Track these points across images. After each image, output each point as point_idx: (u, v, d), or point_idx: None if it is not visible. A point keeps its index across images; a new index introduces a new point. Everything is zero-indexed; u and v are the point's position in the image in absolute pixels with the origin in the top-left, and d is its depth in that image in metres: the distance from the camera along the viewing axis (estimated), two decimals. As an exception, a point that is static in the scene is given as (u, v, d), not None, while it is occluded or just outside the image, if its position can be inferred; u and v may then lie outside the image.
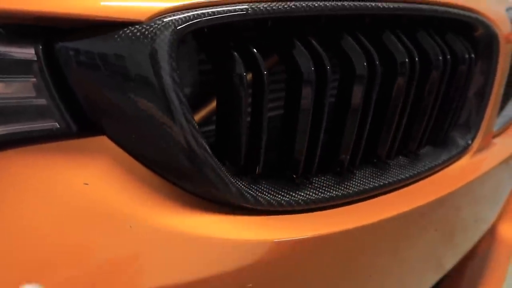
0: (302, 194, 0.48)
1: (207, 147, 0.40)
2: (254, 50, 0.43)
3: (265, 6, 0.42)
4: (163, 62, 0.37)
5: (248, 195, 0.44)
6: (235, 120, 0.44)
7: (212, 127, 0.51)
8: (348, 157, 0.53)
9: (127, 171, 0.41)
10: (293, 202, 0.47)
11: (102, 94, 0.39)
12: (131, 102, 0.39)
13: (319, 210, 0.49)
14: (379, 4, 0.50)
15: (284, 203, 0.46)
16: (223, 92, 0.45)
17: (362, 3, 0.48)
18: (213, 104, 0.50)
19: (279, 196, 0.47)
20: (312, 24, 0.48)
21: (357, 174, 0.54)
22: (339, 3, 0.46)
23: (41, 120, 0.39)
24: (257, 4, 0.41)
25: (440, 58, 0.56)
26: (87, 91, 0.40)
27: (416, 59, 0.54)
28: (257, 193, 0.45)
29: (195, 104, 0.51)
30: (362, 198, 0.53)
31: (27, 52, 0.38)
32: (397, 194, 0.57)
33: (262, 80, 0.43)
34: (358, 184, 0.53)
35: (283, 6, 0.42)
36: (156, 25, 0.37)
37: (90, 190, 0.39)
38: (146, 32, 0.37)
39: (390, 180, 0.56)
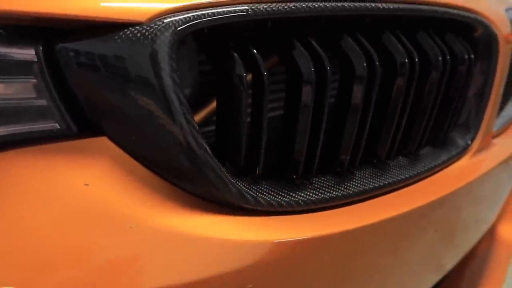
0: (302, 194, 0.48)
1: (207, 148, 0.41)
2: (254, 51, 0.43)
3: (265, 7, 0.42)
4: (164, 63, 0.37)
5: (248, 196, 0.44)
6: (235, 121, 0.44)
7: (212, 127, 0.51)
8: (348, 157, 0.53)
9: (127, 171, 0.41)
10: (293, 203, 0.47)
11: (103, 95, 0.39)
12: (131, 103, 0.39)
13: (319, 210, 0.49)
14: (379, 4, 0.50)
15: (284, 204, 0.46)
16: (223, 92, 0.45)
17: (362, 4, 0.48)
18: (213, 104, 0.50)
19: (279, 197, 0.47)
20: (312, 25, 0.48)
21: (357, 175, 0.54)
22: (339, 4, 0.46)
23: (41, 121, 0.39)
24: (257, 5, 0.41)
25: (440, 58, 0.57)
26: (87, 92, 0.40)
27: (416, 59, 0.54)
28: (257, 193, 0.45)
29: (195, 104, 0.51)
30: (362, 199, 0.53)
31: (28, 53, 0.38)
32: (397, 195, 0.57)
33: (262, 80, 0.43)
34: (358, 185, 0.53)
35: (283, 7, 0.42)
36: (157, 26, 0.37)
37: (91, 191, 0.39)
38: (147, 33, 0.37)
39: (390, 181, 0.56)
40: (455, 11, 0.60)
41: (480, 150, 0.72)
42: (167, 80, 0.37)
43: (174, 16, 0.38)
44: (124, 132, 0.41)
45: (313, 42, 0.47)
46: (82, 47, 0.38)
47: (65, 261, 0.38)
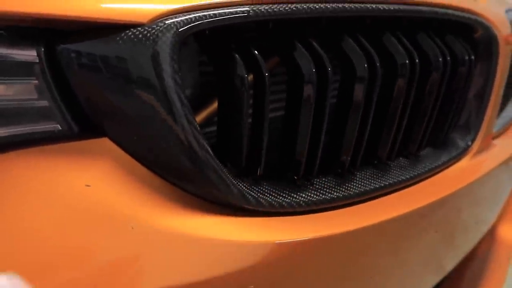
0: (303, 195, 0.48)
1: (209, 149, 0.41)
2: (255, 52, 0.43)
3: (266, 8, 0.42)
4: (165, 64, 0.37)
5: (250, 197, 0.44)
6: (236, 122, 0.44)
7: (213, 128, 0.52)
8: (349, 158, 0.53)
9: (128, 172, 0.41)
10: (294, 204, 0.47)
11: (104, 96, 0.39)
12: (132, 104, 0.39)
13: (320, 211, 0.49)
14: (380, 6, 0.50)
15: (286, 205, 0.46)
16: (225, 93, 0.45)
17: (362, 5, 0.48)
18: (214, 105, 0.50)
19: (281, 198, 0.47)
20: (313, 26, 0.49)
21: (358, 176, 0.54)
22: (340, 5, 0.46)
23: (43, 122, 0.39)
24: (258, 6, 0.41)
25: (440, 59, 0.57)
26: (88, 93, 0.40)
27: (417, 60, 0.54)
28: (258, 194, 0.45)
29: (196, 105, 0.51)
30: (363, 200, 0.53)
31: (29, 54, 0.38)
32: (398, 196, 0.57)
33: (264, 81, 0.43)
34: (359, 186, 0.53)
35: (284, 8, 0.43)
36: (158, 27, 0.37)
37: (92, 192, 0.39)
38: (148, 34, 0.37)
39: (391, 182, 0.56)
40: (455, 12, 0.60)
41: (480, 151, 0.72)
42: (169, 81, 0.37)
43: (175, 18, 0.38)
44: (126, 133, 0.41)
45: (314, 43, 0.47)
46: (83, 48, 0.38)
47: (66, 262, 0.38)
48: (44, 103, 0.39)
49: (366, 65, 0.49)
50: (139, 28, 0.37)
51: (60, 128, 0.40)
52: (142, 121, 0.40)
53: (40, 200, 0.38)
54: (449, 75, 0.60)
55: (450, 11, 0.59)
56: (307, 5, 0.44)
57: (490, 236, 0.98)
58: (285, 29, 0.47)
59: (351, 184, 0.52)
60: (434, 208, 0.60)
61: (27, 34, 0.38)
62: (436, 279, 0.76)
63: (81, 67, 0.39)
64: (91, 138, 0.41)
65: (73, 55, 0.38)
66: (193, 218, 0.42)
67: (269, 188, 0.47)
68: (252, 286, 0.43)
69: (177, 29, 0.37)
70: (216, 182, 0.42)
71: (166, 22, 0.38)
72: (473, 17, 0.63)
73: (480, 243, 0.89)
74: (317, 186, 0.50)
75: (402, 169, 0.59)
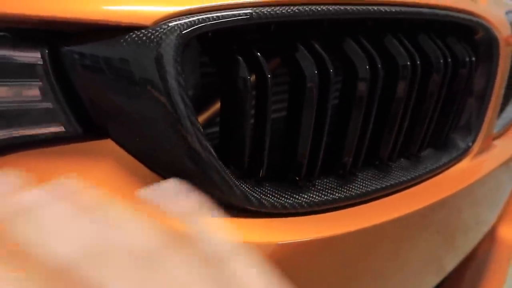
0: (305, 196, 0.48)
1: (212, 150, 0.41)
2: (258, 53, 0.43)
3: (269, 10, 0.42)
4: (169, 66, 0.37)
5: (252, 198, 0.44)
6: (238, 123, 0.44)
7: (214, 129, 0.52)
8: (351, 159, 0.53)
9: (131, 173, 0.41)
10: (297, 205, 0.47)
11: (108, 98, 0.40)
12: (136, 106, 0.39)
13: (322, 212, 0.49)
14: (381, 8, 0.50)
15: (288, 206, 0.46)
16: (227, 95, 0.45)
17: (364, 7, 0.48)
18: (216, 106, 0.51)
19: (283, 199, 0.47)
20: (315, 28, 0.49)
21: (359, 177, 0.55)
22: (342, 7, 0.46)
23: (46, 124, 0.39)
24: (261, 8, 0.42)
25: (441, 61, 0.57)
26: (92, 94, 0.40)
27: (418, 62, 0.54)
28: (261, 195, 0.45)
29: (198, 106, 0.51)
30: (365, 200, 0.53)
31: (33, 56, 0.38)
32: (399, 196, 0.57)
33: (266, 83, 0.43)
34: (361, 186, 0.53)
35: (287, 10, 0.43)
36: (162, 30, 0.37)
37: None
38: (152, 37, 0.37)
39: (392, 182, 0.56)
40: (456, 14, 0.61)
41: (481, 151, 0.73)
42: (172, 83, 0.37)
43: (179, 20, 0.38)
44: (129, 134, 0.41)
45: (316, 45, 0.47)
46: (87, 50, 0.39)
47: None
48: (48, 104, 0.39)
49: (367, 67, 0.49)
50: (143, 30, 0.38)
51: (64, 130, 0.40)
52: (145, 123, 0.40)
53: (44, 201, 0.38)
54: (450, 76, 0.60)
55: (450, 13, 0.60)
56: (309, 7, 0.44)
57: (491, 236, 0.98)
58: (288, 31, 0.47)
59: (352, 185, 0.52)
60: (435, 209, 0.60)
61: (31, 36, 0.38)
62: (437, 279, 0.76)
63: (85, 69, 0.39)
64: (95, 139, 0.41)
65: (77, 57, 0.39)
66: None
67: (271, 189, 0.47)
68: (254, 287, 0.43)
69: (181, 31, 0.38)
70: (219, 183, 0.42)
71: (170, 24, 0.38)
72: (473, 18, 0.63)
73: (480, 243, 0.89)
74: (319, 187, 0.50)
75: (403, 170, 0.59)
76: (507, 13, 0.77)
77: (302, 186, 0.49)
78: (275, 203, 0.46)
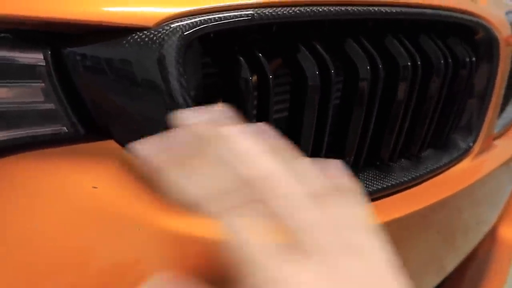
0: (307, 196, 0.48)
1: (214, 151, 0.41)
2: (260, 54, 0.44)
3: (270, 11, 0.42)
4: (171, 67, 0.37)
5: (254, 198, 0.44)
6: (240, 124, 0.44)
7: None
8: (352, 159, 0.53)
9: (134, 174, 0.41)
10: (298, 205, 0.47)
11: (110, 99, 0.40)
12: (138, 107, 0.39)
13: (324, 212, 0.49)
14: (382, 8, 0.50)
15: (289, 206, 0.46)
16: (229, 95, 0.45)
17: (365, 8, 0.49)
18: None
19: (284, 199, 0.47)
20: (316, 29, 0.49)
21: (360, 177, 0.55)
22: (343, 8, 0.47)
23: (49, 125, 0.39)
24: (262, 9, 0.42)
25: (442, 61, 0.57)
26: (95, 95, 0.40)
27: (418, 62, 0.54)
28: (262, 196, 0.45)
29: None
30: (366, 200, 0.53)
31: (36, 57, 0.38)
32: (400, 197, 0.57)
33: (268, 83, 0.43)
34: (361, 187, 0.53)
35: (288, 11, 0.43)
36: (164, 31, 0.37)
37: (99, 194, 0.39)
38: (154, 38, 0.37)
39: (393, 183, 0.56)
40: (457, 15, 0.61)
41: (481, 152, 0.73)
42: (175, 84, 0.38)
43: (181, 21, 0.38)
44: (131, 135, 0.41)
45: (318, 46, 0.47)
46: (90, 51, 0.39)
47: (74, 263, 0.38)
48: (50, 105, 0.39)
49: (368, 67, 0.49)
50: (145, 32, 0.38)
51: (67, 131, 0.40)
52: (148, 123, 0.40)
53: (46, 202, 0.38)
54: (450, 77, 0.61)
55: (451, 14, 0.60)
56: (311, 8, 0.44)
57: (491, 236, 0.98)
58: (289, 32, 0.47)
59: (353, 185, 0.52)
60: (435, 209, 0.60)
61: (33, 37, 0.38)
62: (437, 279, 0.76)
63: (87, 70, 0.39)
64: (97, 140, 0.41)
65: (79, 58, 0.39)
66: (200, 219, 0.43)
67: (273, 190, 0.47)
68: (256, 287, 0.43)
69: (183, 32, 0.38)
70: (221, 184, 0.42)
71: (172, 25, 0.38)
72: (474, 19, 0.63)
73: (481, 243, 0.89)
74: (320, 187, 0.50)
75: (404, 170, 0.60)
76: (507, 13, 0.77)
77: (303, 187, 0.49)
78: (277, 204, 0.46)
